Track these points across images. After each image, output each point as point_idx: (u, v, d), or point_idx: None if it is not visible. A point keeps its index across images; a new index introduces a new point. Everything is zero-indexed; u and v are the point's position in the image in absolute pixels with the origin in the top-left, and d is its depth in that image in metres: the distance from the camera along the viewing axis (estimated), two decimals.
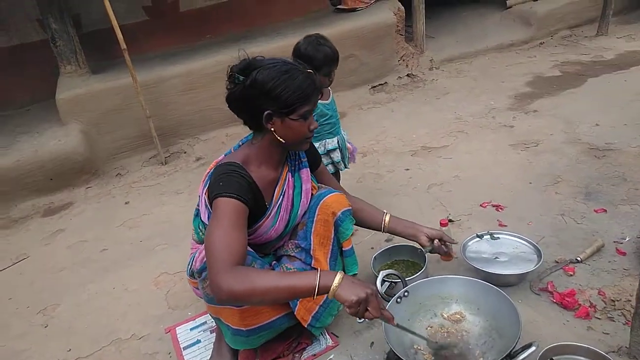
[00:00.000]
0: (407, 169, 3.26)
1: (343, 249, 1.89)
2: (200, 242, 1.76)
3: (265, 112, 1.58)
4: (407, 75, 5.05)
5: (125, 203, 3.55)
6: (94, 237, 3.14)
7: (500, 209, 2.62)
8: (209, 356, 1.93)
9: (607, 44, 5.18)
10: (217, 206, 1.53)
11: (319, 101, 2.24)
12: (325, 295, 1.73)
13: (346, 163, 2.55)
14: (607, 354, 1.55)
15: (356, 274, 1.96)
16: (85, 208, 3.57)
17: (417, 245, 2.23)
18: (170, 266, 2.62)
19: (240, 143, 1.79)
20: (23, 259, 3.03)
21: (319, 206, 1.81)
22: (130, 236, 3.07)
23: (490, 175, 2.99)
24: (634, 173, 2.71)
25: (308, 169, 1.87)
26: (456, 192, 2.87)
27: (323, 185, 1.95)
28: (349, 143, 2.61)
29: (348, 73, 4.74)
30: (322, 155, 2.37)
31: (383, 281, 1.90)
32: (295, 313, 1.77)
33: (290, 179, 1.80)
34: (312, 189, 1.87)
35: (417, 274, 2.03)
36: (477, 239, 2.22)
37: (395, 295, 1.77)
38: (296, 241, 1.86)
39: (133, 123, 4.02)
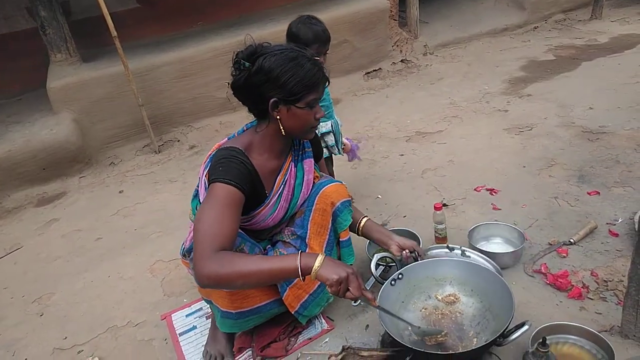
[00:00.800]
0: (402, 155, 3.26)
1: (340, 239, 1.88)
2: None
3: (272, 100, 1.55)
4: (401, 60, 5.02)
5: (119, 192, 3.53)
6: (88, 226, 3.13)
7: (494, 192, 2.62)
8: (205, 342, 1.94)
9: (601, 27, 5.18)
10: (213, 190, 1.51)
11: None
12: (316, 285, 1.75)
13: (340, 148, 2.53)
14: (599, 333, 1.57)
15: (351, 265, 1.96)
16: (79, 197, 3.55)
17: (412, 230, 2.24)
18: (165, 254, 2.62)
19: (245, 128, 1.76)
20: (17, 249, 3.02)
21: (318, 195, 1.80)
22: (125, 225, 3.06)
23: (484, 160, 2.99)
24: (627, 155, 2.72)
25: (312, 159, 1.85)
26: (450, 177, 2.88)
27: (325, 175, 1.93)
28: (349, 141, 2.61)
29: (342, 59, 4.71)
30: None
31: (377, 265, 1.91)
32: (283, 298, 1.77)
33: (292, 169, 1.79)
34: (314, 179, 1.86)
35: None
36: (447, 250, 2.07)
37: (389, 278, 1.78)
38: (293, 228, 1.86)
39: (125, 111, 3.98)
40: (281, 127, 1.62)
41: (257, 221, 1.73)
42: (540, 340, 1.39)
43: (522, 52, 4.87)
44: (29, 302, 2.47)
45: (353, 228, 1.96)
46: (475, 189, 2.69)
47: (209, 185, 1.55)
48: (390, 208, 2.65)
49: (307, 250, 1.80)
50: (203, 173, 1.69)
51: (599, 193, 2.44)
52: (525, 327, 1.45)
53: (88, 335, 2.14)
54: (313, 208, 1.80)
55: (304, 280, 1.43)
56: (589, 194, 2.45)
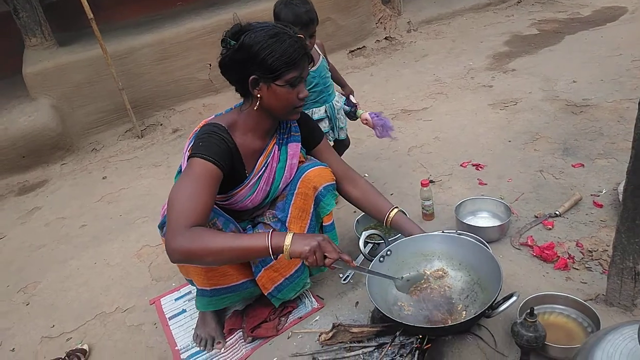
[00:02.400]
0: None
1: (323, 223, 1.86)
2: None
3: (251, 77, 1.54)
4: (385, 38, 4.98)
5: (103, 178, 3.48)
6: (72, 213, 3.08)
7: (480, 167, 2.63)
8: (195, 325, 1.93)
9: (584, 0, 5.17)
10: (190, 165, 1.50)
11: None
12: (293, 269, 1.74)
13: (338, 133, 2.45)
14: (585, 302, 1.59)
15: None
16: (62, 185, 3.49)
17: (400, 208, 2.24)
18: (151, 239, 2.59)
19: (233, 107, 1.74)
20: (0, 238, 2.97)
21: (300, 179, 1.77)
22: (110, 211, 3.02)
23: (470, 135, 3.00)
24: (610, 128, 2.74)
25: (298, 143, 1.81)
26: (436, 153, 2.88)
27: (311, 158, 1.89)
28: (378, 116, 2.42)
29: (325, 37, 4.63)
30: None
31: (366, 242, 1.90)
32: (256, 279, 1.77)
33: (276, 152, 1.76)
34: (299, 163, 1.83)
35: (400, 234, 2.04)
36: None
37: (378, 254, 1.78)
38: (274, 211, 1.84)
39: (106, 96, 3.90)
40: (257, 105, 1.60)
41: (235, 201, 1.71)
42: (528, 310, 1.41)
43: (506, 27, 4.86)
44: (15, 292, 2.44)
45: (381, 219, 1.88)
46: (461, 165, 2.69)
47: (188, 161, 1.54)
48: (377, 186, 2.64)
49: None
50: (186, 149, 1.67)
51: (583, 165, 2.47)
52: (514, 299, 1.46)
53: (76, 323, 2.13)
54: (295, 192, 1.78)
55: (275, 259, 1.43)
56: (573, 166, 2.47)
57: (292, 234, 1.41)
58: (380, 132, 2.41)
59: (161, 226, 1.72)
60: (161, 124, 4.09)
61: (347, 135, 2.54)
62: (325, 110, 2.37)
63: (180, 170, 1.75)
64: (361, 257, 1.92)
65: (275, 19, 2.12)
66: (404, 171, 2.76)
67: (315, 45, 2.28)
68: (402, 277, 1.68)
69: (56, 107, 3.75)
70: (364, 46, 4.88)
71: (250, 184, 1.70)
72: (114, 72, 3.68)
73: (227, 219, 1.69)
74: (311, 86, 2.29)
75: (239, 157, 1.64)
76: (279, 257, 1.43)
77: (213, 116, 1.73)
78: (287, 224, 1.78)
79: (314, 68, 2.29)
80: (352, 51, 4.84)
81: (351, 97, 2.52)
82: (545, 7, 5.24)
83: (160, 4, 4.77)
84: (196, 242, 1.36)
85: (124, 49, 3.90)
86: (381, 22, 5.01)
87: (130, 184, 3.29)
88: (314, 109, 2.35)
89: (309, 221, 1.80)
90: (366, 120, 2.43)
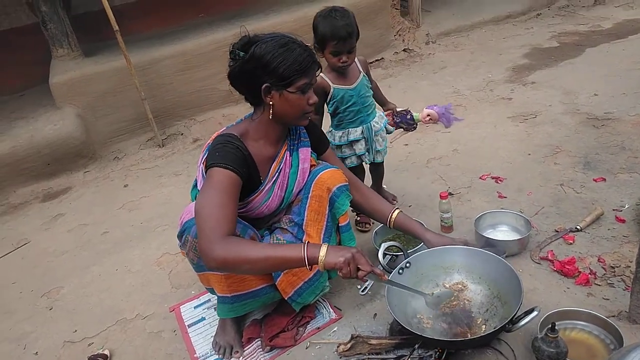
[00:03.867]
0: (406, 144, 3.26)
1: (340, 224, 1.88)
2: None
3: (264, 85, 1.60)
4: (404, 50, 5.00)
5: (124, 186, 3.54)
6: (94, 220, 3.14)
7: (500, 180, 2.62)
8: (214, 333, 1.95)
9: (605, 13, 5.13)
10: (211, 175, 1.56)
11: (341, 86, 2.16)
12: (312, 273, 1.76)
13: (374, 157, 2.35)
14: (607, 318, 1.57)
15: None
16: (84, 192, 3.56)
17: (418, 220, 2.24)
18: (171, 246, 2.63)
19: (243, 118, 1.80)
20: (24, 244, 3.04)
21: (314, 182, 1.81)
22: (131, 218, 3.07)
23: (489, 148, 2.98)
24: (633, 141, 2.71)
25: (308, 148, 1.86)
26: (455, 166, 2.87)
27: (321, 161, 1.94)
28: (434, 107, 2.33)
29: None
30: (345, 146, 2.28)
31: (384, 254, 1.91)
32: (276, 284, 1.79)
33: (288, 157, 1.80)
34: (310, 167, 1.86)
35: (419, 245, 2.04)
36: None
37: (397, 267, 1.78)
38: (290, 216, 1.86)
39: (129, 105, 3.98)
40: (270, 113, 1.65)
41: (252, 208, 1.75)
42: (550, 325, 1.40)
43: (526, 40, 4.84)
44: (38, 296, 2.49)
45: (384, 221, 1.98)
46: (480, 178, 2.68)
47: (206, 172, 1.59)
48: (396, 198, 2.64)
49: (304, 237, 1.81)
50: (201, 161, 1.73)
51: (604, 179, 2.44)
52: (535, 313, 1.46)
53: (98, 328, 2.16)
54: (309, 195, 1.81)
55: (310, 269, 1.48)
56: (594, 180, 2.45)
57: (327, 246, 1.47)
58: (447, 121, 2.37)
59: (180, 235, 1.74)
60: (182, 134, 4.15)
61: (383, 159, 2.43)
62: (362, 132, 2.25)
63: (196, 184, 1.80)
64: (380, 268, 1.91)
65: (314, 30, 2.07)
66: (423, 183, 2.76)
67: (356, 61, 2.19)
68: (433, 294, 1.70)
69: (81, 116, 3.84)
70: (382, 58, 4.91)
71: (266, 189, 1.74)
72: (137, 83, 3.76)
73: (245, 225, 1.72)
74: (348, 104, 2.19)
75: (253, 164, 1.69)
76: (313, 267, 1.47)
77: (224, 128, 1.78)
78: (303, 227, 1.81)
79: (352, 86, 2.18)
80: (371, 63, 4.86)
81: (397, 108, 2.41)
82: (565, 20, 5.21)
83: (183, 16, 4.87)
84: (233, 251, 1.42)
85: (147, 60, 3.98)
86: (400, 34, 5.04)
87: (151, 192, 3.35)
88: (350, 129, 2.25)
89: (325, 223, 1.82)
90: (429, 115, 2.34)
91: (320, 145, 1.95)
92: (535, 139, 2.97)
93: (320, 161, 1.94)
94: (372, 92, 2.30)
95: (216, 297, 1.85)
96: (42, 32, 4.05)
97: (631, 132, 2.80)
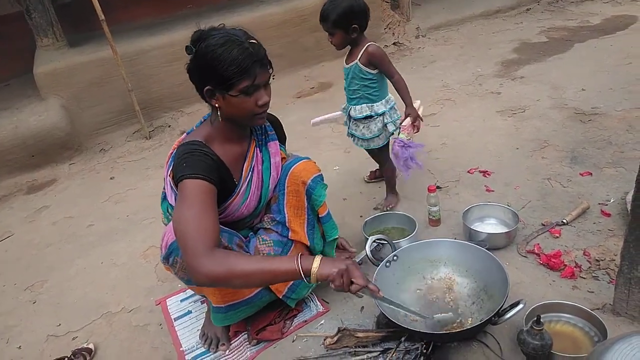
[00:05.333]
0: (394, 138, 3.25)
1: (320, 215, 1.88)
2: None
3: (206, 88, 1.51)
4: (394, 43, 4.99)
5: (110, 178, 3.50)
6: (80, 213, 3.10)
7: (488, 174, 2.63)
8: (201, 326, 1.94)
9: (593, 9, 5.16)
10: (184, 188, 1.45)
11: (345, 61, 2.26)
12: None
13: (362, 143, 2.39)
14: (592, 311, 1.59)
15: (337, 238, 1.97)
16: (70, 184, 3.52)
17: (406, 213, 2.24)
18: (158, 239, 2.52)
19: (202, 120, 1.72)
20: (8, 236, 2.99)
21: (287, 177, 1.78)
22: (117, 211, 3.03)
23: (478, 142, 2.99)
24: (619, 136, 2.73)
25: (276, 141, 1.81)
26: (444, 160, 2.87)
27: (292, 154, 1.91)
28: (405, 147, 2.20)
29: None
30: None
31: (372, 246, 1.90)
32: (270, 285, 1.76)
33: (258, 154, 1.75)
34: (282, 160, 1.83)
35: (406, 237, 2.04)
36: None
37: (384, 259, 1.78)
38: (272, 215, 1.84)
39: (115, 97, 3.93)
40: (218, 115, 1.57)
41: (231, 211, 1.70)
42: (535, 318, 1.40)
43: (515, 34, 4.85)
44: (22, 290, 2.45)
45: None
46: (468, 171, 2.69)
47: (176, 184, 1.50)
48: (384, 191, 2.64)
49: (289, 234, 1.80)
50: (167, 173, 1.66)
51: (591, 174, 2.45)
52: (520, 306, 1.46)
53: (82, 322, 2.14)
54: (285, 191, 1.79)
55: (308, 281, 1.39)
56: (581, 174, 2.46)
57: (320, 257, 1.39)
58: (405, 168, 2.22)
59: (167, 258, 1.64)
60: (169, 126, 4.11)
61: (379, 150, 2.40)
62: (343, 110, 2.41)
63: (165, 196, 1.74)
64: (362, 254, 1.87)
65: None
66: (411, 176, 2.75)
67: (363, 48, 2.19)
68: (434, 317, 1.65)
69: (66, 107, 3.78)
70: None
71: (242, 191, 1.69)
72: (123, 74, 3.71)
73: (230, 233, 1.68)
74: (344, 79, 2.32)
75: (224, 168, 1.61)
76: (309, 280, 1.39)
77: (185, 134, 1.71)
78: (287, 224, 1.80)
79: (346, 65, 2.28)
80: None
81: (405, 121, 2.27)
82: (554, 15, 5.23)
83: (171, 7, 4.81)
84: (223, 265, 1.33)
85: (134, 50, 3.93)
86: (390, 28, 5.02)
87: (138, 185, 3.31)
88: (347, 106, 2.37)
89: (306, 216, 1.82)
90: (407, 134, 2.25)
91: (282, 138, 1.92)
92: (523, 134, 2.98)
93: (290, 153, 1.91)
94: (361, 84, 2.25)
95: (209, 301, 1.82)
96: (27, 21, 3.98)
97: (617, 127, 2.82)
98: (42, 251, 2.76)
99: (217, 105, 1.55)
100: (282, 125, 1.95)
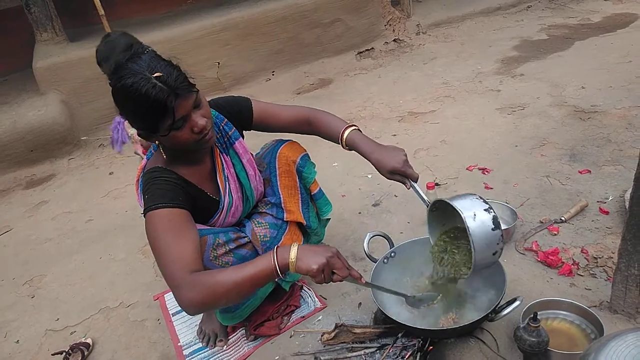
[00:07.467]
0: (394, 135, 3.25)
1: (312, 192, 1.90)
2: None
3: (137, 132, 1.43)
4: (394, 40, 4.97)
5: (109, 173, 3.50)
6: (79, 208, 3.10)
7: (487, 172, 2.63)
8: (199, 321, 1.94)
9: (594, 6, 5.14)
10: (151, 222, 1.38)
11: None
12: None
13: None
14: (589, 308, 1.59)
15: (329, 218, 1.98)
16: (69, 179, 3.52)
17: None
18: None
19: (152, 150, 1.63)
20: (6, 231, 2.99)
21: (276, 159, 1.79)
22: (116, 206, 3.04)
23: (477, 139, 2.99)
24: (618, 134, 2.73)
25: (241, 139, 1.72)
26: (443, 157, 2.87)
27: (270, 142, 1.87)
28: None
29: (334, 38, 4.65)
30: None
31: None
32: None
33: (226, 161, 1.67)
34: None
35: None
36: None
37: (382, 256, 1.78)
38: (266, 198, 1.84)
39: None
40: (161, 151, 1.50)
41: (220, 223, 1.66)
42: (532, 315, 1.40)
43: (515, 32, 4.84)
44: (20, 284, 2.45)
45: (335, 139, 1.71)
46: (467, 169, 2.69)
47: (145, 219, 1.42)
48: (382, 188, 2.64)
49: (284, 216, 1.78)
50: (140, 198, 1.62)
51: (590, 171, 2.45)
52: (517, 303, 1.46)
53: (80, 317, 2.14)
54: (277, 172, 1.79)
55: (284, 277, 1.33)
56: (580, 172, 2.46)
57: (296, 247, 1.31)
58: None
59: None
60: None
61: None
62: None
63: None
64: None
65: None
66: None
67: None
68: (415, 297, 1.64)
69: (65, 102, 3.78)
70: (372, 48, 4.88)
71: (225, 203, 1.64)
72: None
73: (225, 231, 1.63)
74: None
75: (193, 187, 1.54)
76: (286, 275, 1.32)
77: (145, 160, 1.65)
78: (282, 205, 1.79)
79: None
80: (361, 52, 4.84)
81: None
82: (555, 13, 5.22)
83: (171, 2, 4.80)
84: (204, 288, 1.26)
85: None
86: (390, 24, 5.01)
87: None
88: None
89: (299, 195, 1.83)
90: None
91: (243, 112, 1.72)
92: (522, 131, 2.98)
93: (265, 144, 1.87)
94: None
95: None
96: (26, 16, 3.97)
97: (617, 125, 2.82)
98: (41, 246, 2.76)
99: (157, 142, 1.47)
100: (238, 102, 1.74)
